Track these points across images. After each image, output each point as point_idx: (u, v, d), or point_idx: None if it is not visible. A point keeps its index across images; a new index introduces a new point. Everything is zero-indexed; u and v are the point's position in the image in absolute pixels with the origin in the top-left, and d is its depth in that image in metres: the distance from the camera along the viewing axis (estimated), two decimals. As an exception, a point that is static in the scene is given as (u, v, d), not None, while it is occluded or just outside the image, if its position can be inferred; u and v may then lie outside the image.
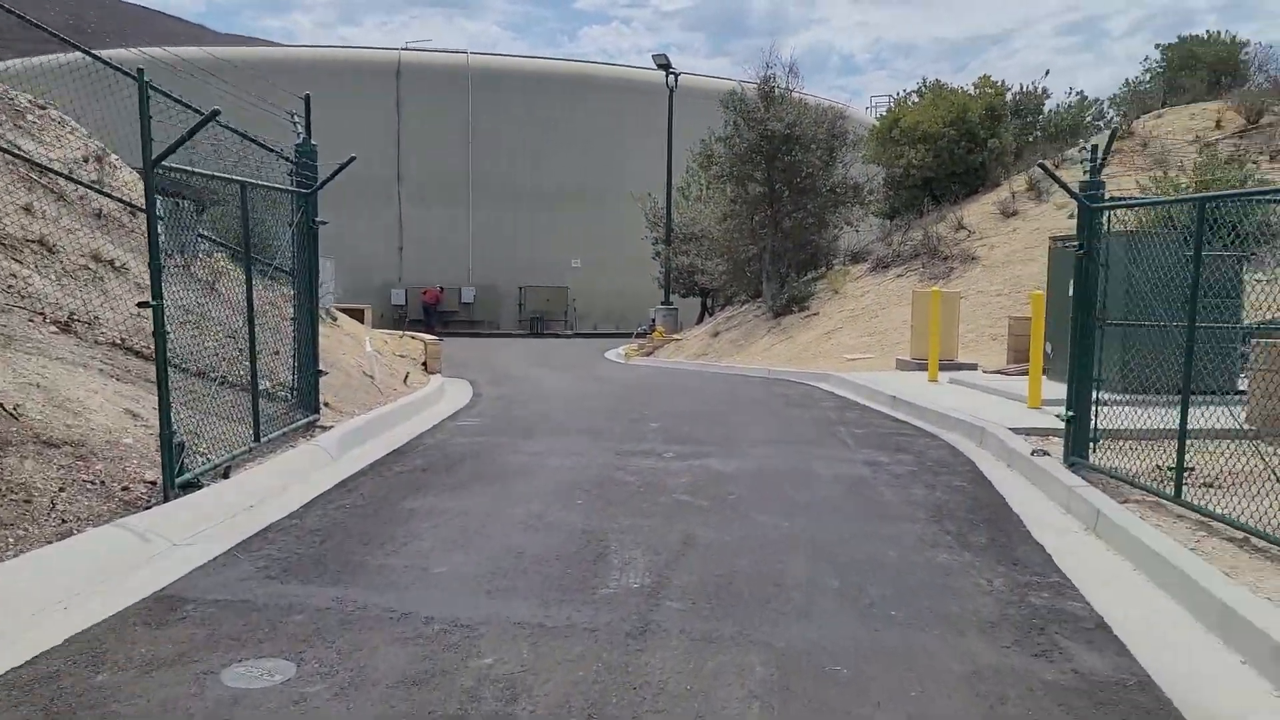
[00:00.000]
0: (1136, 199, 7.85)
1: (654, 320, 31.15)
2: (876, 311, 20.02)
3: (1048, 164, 7.63)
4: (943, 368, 13.59)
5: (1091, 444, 7.49)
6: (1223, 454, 7.45)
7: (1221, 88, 25.07)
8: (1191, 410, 7.76)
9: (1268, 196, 6.04)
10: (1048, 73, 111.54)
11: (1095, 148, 7.46)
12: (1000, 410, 10.18)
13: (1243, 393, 10.64)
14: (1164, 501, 6.34)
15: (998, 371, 13.50)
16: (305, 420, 8.53)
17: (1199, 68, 28.41)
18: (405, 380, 13.52)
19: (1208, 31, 30.55)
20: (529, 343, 34.91)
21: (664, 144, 31.56)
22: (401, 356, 16.39)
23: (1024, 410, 10.19)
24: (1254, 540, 5.44)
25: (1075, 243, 7.46)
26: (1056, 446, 8.49)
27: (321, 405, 9.18)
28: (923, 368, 14.27)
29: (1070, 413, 7.49)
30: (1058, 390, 10.89)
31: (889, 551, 5.49)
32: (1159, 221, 10.58)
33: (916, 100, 28.11)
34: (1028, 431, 8.98)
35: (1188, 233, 10.63)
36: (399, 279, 43.57)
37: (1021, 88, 29.48)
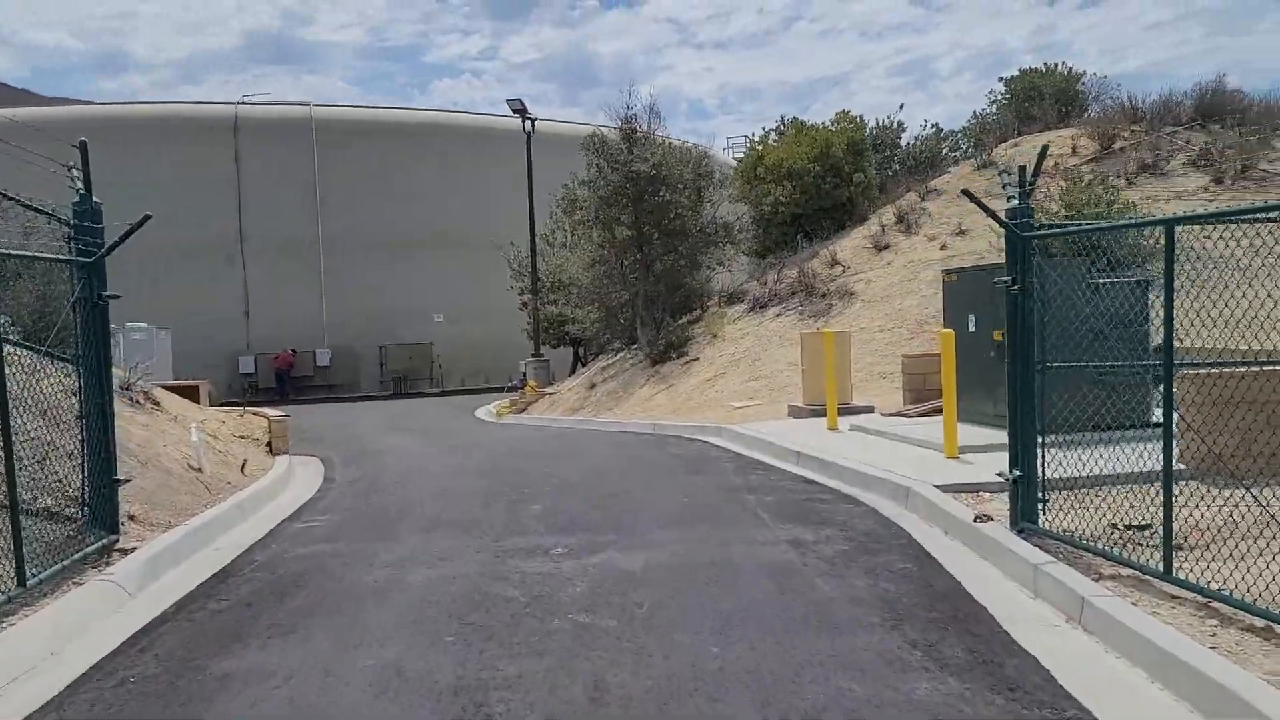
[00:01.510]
0: (1074, 225, 7.10)
1: (525, 374, 29.70)
2: (759, 354, 19.20)
3: (971, 191, 6.76)
4: (840, 412, 12.71)
5: (1041, 505, 6.57)
6: (1164, 500, 6.65)
7: (1070, 116, 25.69)
8: (1114, 449, 6.98)
9: (1244, 218, 5.23)
10: (902, 106, 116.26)
11: (1023, 169, 6.62)
12: (917, 463, 9.25)
13: (1158, 425, 10.10)
14: (1148, 578, 5.39)
15: (897, 414, 12.71)
16: (98, 544, 6.79)
17: (1042, 99, 29.21)
18: (243, 468, 11.69)
19: (1045, 64, 31.58)
20: (392, 406, 32.84)
21: (524, 191, 30.37)
22: (241, 438, 14.45)
23: (942, 460, 9.30)
24: (1278, 629, 4.50)
25: (1006, 277, 6.56)
26: (992, 504, 7.57)
27: (124, 520, 7.44)
28: (817, 414, 13.37)
29: (1017, 472, 6.54)
30: (970, 434, 10.11)
31: (854, 687, 4.28)
32: (1068, 250, 9.99)
33: (777, 138, 27.89)
34: (955, 488, 8.04)
35: (1108, 259, 9.88)
36: (247, 345, 40.64)
37: (878, 122, 29.76)
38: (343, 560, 7.14)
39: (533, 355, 30.16)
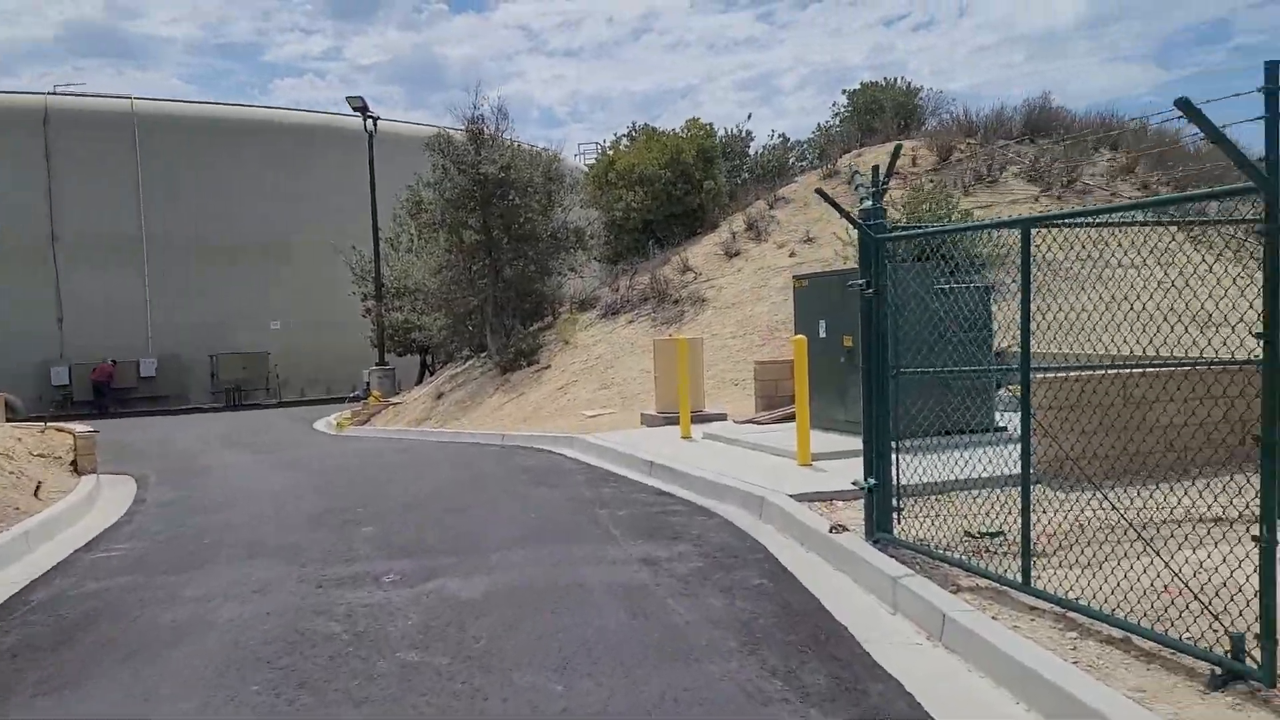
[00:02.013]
0: (928, 227, 7.01)
1: (368, 383, 28.44)
2: (612, 361, 18.85)
3: (824, 190, 6.55)
4: (693, 420, 12.46)
5: (896, 513, 6.40)
6: (1016, 505, 6.62)
7: (909, 128, 26.55)
8: (962, 454, 6.94)
9: (1090, 219, 5.15)
10: (750, 115, 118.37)
11: (875, 169, 6.45)
12: (771, 471, 9.04)
13: (1002, 429, 10.30)
14: (1006, 589, 5.24)
15: (750, 421, 12.57)
16: None
17: (883, 111, 30.15)
18: (37, 491, 10.44)
19: (885, 78, 32.67)
20: (224, 418, 30.86)
21: (368, 193, 29.13)
22: (40, 456, 12.99)
23: (795, 468, 9.12)
24: (1137, 640, 4.38)
25: (860, 280, 6.37)
26: (846, 512, 7.40)
27: None
28: (671, 422, 13.09)
29: (872, 481, 6.35)
30: (823, 441, 10.00)
31: (713, 725, 3.90)
32: (910, 255, 10.02)
33: (629, 144, 27.73)
34: (810, 498, 7.84)
35: (951, 265, 9.92)
36: (60, 355, 37.46)
37: (727, 131, 30.03)
38: (141, 597, 6.28)
39: (377, 364, 28.93)
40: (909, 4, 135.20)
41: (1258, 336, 3.73)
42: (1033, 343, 7.15)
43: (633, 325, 20.47)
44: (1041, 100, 23.78)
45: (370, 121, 29.31)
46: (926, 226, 7.57)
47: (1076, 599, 4.81)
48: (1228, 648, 3.90)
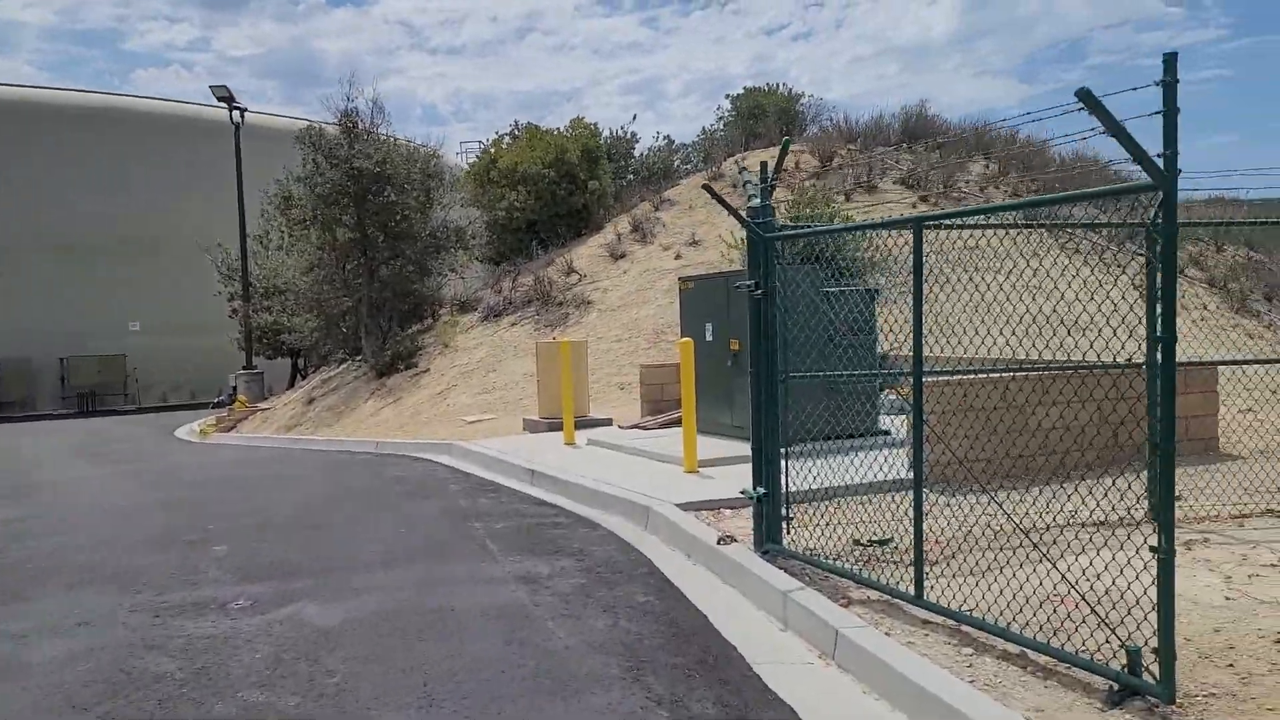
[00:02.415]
0: (818, 226, 6.81)
1: (235, 388, 27.02)
2: (493, 365, 18.29)
3: (711, 186, 6.27)
4: (578, 425, 12.08)
5: (785, 523, 6.17)
6: (904, 512, 6.51)
7: (792, 134, 26.80)
8: (848, 459, 6.80)
9: (978, 215, 5.02)
10: (635, 117, 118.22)
11: (764, 165, 6.21)
12: (656, 479, 8.74)
13: (886, 433, 10.28)
14: (898, 602, 5.05)
15: (635, 426, 12.27)
16: None
17: (766, 116, 30.42)
18: None
19: (768, 84, 33.02)
20: (76, 426, 28.84)
21: (234, 188, 27.69)
22: None
23: (681, 475, 8.85)
24: (1033, 655, 4.22)
25: (749, 280, 6.12)
26: (734, 521, 7.16)
27: None
28: (554, 428, 12.68)
29: (761, 490, 6.09)
30: (709, 447, 9.77)
31: (593, 768, 3.53)
32: (795, 258, 9.89)
33: (511, 142, 27.15)
34: (697, 506, 7.57)
35: (834, 269, 9.83)
36: (-113, 358, 34.45)
37: (612, 132, 29.77)
38: (-56, 636, 5.51)
39: (244, 368, 27.52)
40: (789, 14, 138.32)
41: (1156, 340, 3.59)
42: (909, 346, 7.08)
43: (516, 328, 19.96)
44: (919, 108, 24.37)
45: (237, 113, 27.89)
46: (816, 226, 7.40)
47: (970, 611, 4.64)
48: (1124, 662, 3.76)
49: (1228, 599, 4.76)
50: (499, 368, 18.12)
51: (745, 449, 9.68)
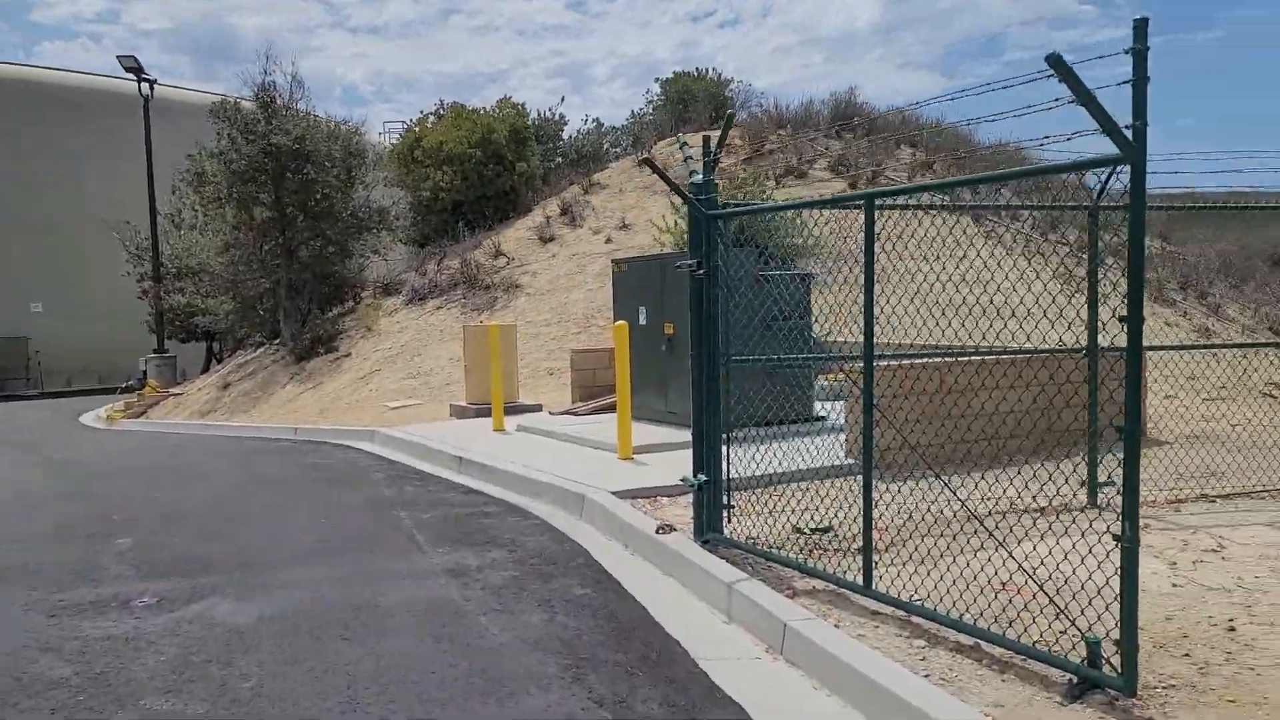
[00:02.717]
0: (757, 205, 6.58)
1: (145, 372, 25.90)
2: (418, 349, 17.78)
3: (653, 160, 6.01)
4: (507, 411, 11.74)
5: (727, 511, 5.97)
6: (844, 497, 6.39)
7: (722, 118, 26.64)
8: (785, 445, 6.66)
9: (931, 191, 4.86)
10: (563, 99, 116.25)
11: (707, 139, 5.99)
12: (589, 465, 8.50)
13: (822, 418, 10.18)
14: (846, 592, 4.89)
15: (566, 412, 11.98)
16: None
17: (696, 101, 30.24)
18: None
19: (697, 69, 32.84)
20: (-28, 412, 27.33)
21: (144, 164, 26.46)
22: None
23: (616, 462, 8.61)
24: (987, 647, 4.09)
25: (690, 261, 5.89)
26: (672, 509, 6.95)
27: None
28: (483, 414, 12.32)
29: (702, 477, 5.88)
30: (643, 433, 9.55)
31: (533, 779, 3.27)
32: (730, 241, 9.69)
33: (436, 121, 26.48)
34: (633, 494, 7.34)
35: (767, 254, 9.67)
36: None
37: (540, 114, 29.27)
38: None
39: (156, 351, 26.38)
40: (715, 1, 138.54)
41: (1122, 320, 3.46)
42: (844, 333, 6.97)
43: (441, 311, 19.45)
44: (848, 95, 24.43)
45: (146, 85, 26.63)
46: (758, 204, 7.19)
47: (920, 601, 4.51)
48: (1084, 655, 3.64)
49: (1175, 586, 4.71)
50: (424, 352, 17.63)
51: (680, 435, 9.52)
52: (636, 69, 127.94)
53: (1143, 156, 3.34)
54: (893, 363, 8.19)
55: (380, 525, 7.24)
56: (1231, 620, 4.21)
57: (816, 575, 5.03)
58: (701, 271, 5.83)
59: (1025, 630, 4.06)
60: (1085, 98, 3.30)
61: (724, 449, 5.94)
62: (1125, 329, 3.42)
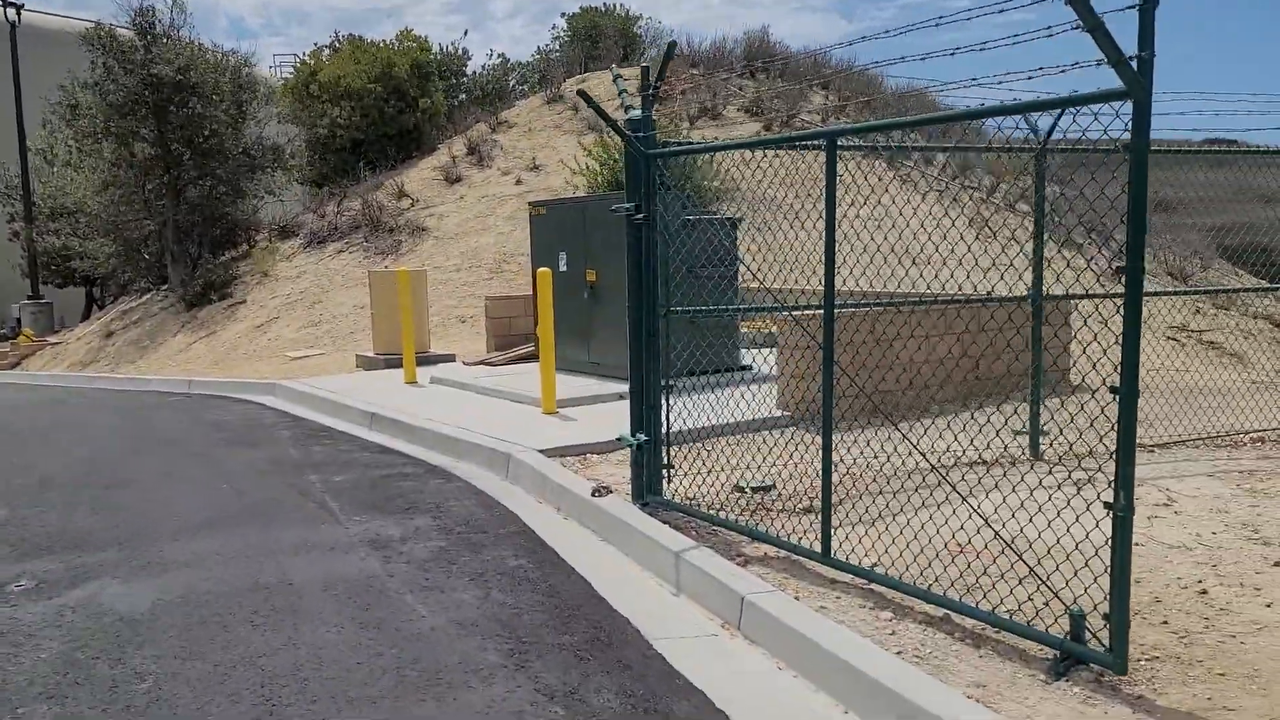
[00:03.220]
0: (697, 144, 6.10)
1: (19, 320, 24.20)
2: (320, 296, 16.90)
3: (587, 92, 5.52)
4: (418, 362, 11.15)
5: (667, 471, 5.64)
6: (782, 452, 6.14)
7: (632, 56, 25.95)
8: (714, 395, 6.37)
9: (898, 129, 4.52)
10: (466, 32, 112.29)
11: (646, 70, 5.54)
12: (512, 420, 8.06)
13: (747, 368, 9.93)
14: (800, 559, 4.62)
15: (481, 363, 11.47)
16: None
17: (604, 38, 29.37)
18: None
19: (605, 4, 31.85)
20: None
21: (10, 96, 24.42)
22: None
23: (540, 417, 8.20)
24: (957, 619, 3.86)
25: (628, 204, 5.45)
26: (604, 468, 6.61)
27: None
28: (393, 365, 11.71)
29: (642, 436, 5.52)
30: (567, 385, 9.14)
31: (485, 794, 2.90)
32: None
33: (332, 55, 25.07)
34: (562, 452, 6.96)
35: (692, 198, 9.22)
36: None
37: (442, 49, 28.02)
38: None
39: (30, 297, 24.65)
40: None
41: (1118, 270, 3.19)
42: (766, 279, 6.66)
43: (343, 255, 18.52)
44: (761, 34, 23.99)
45: (12, 10, 24.49)
46: (701, 142, 6.73)
47: (881, 569, 4.27)
48: (1066, 629, 3.44)
49: (1137, 545, 4.57)
50: (325, 299, 16.77)
51: (606, 387, 9.15)
52: (536, 6, 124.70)
53: (1149, 93, 3.04)
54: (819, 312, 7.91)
55: (289, 491, 6.69)
56: (1201, 582, 4.09)
57: (769, 541, 4.75)
58: (641, 216, 5.41)
59: (997, 599, 3.84)
60: (1092, 24, 2.98)
61: (664, 407, 5.58)
62: (1124, 279, 3.14)
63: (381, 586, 4.68)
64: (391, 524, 5.75)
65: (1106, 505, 3.26)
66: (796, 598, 4.15)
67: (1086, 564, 3.65)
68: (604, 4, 31.60)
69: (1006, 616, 3.65)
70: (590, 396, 8.71)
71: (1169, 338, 13.37)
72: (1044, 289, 7.59)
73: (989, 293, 8.12)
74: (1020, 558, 3.83)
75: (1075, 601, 3.48)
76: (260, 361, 14.23)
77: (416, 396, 9.79)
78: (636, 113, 5.44)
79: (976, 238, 8.18)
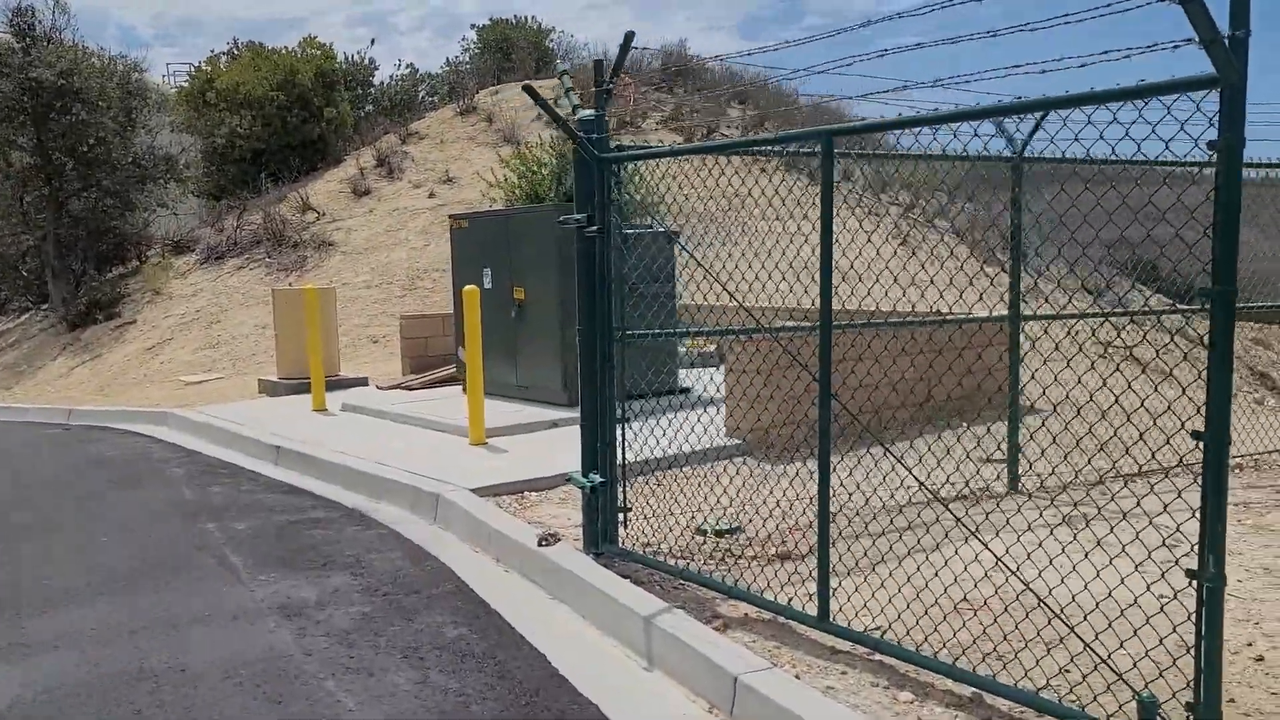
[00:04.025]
0: (654, 147, 5.48)
1: (-121, 344, 22.12)
2: (218, 315, 15.73)
3: (534, 88, 4.86)
4: (328, 387, 10.25)
5: (623, 514, 5.00)
6: (743, 487, 5.60)
7: (546, 68, 25.33)
8: (658, 421, 5.81)
9: (897, 126, 4.01)
10: (373, 41, 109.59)
11: (599, 63, 4.94)
12: (437, 452, 7.32)
13: (686, 391, 9.35)
14: (791, 623, 4.02)
15: (397, 386, 10.64)
16: None
17: (516, 50, 28.71)
18: None
19: (515, 16, 31.23)
20: None
21: None
22: None
23: (467, 449, 7.46)
24: (990, 699, 3.31)
25: (579, 215, 4.81)
26: (544, 508, 5.93)
27: None
28: (299, 390, 10.77)
29: (597, 478, 4.86)
30: (494, 412, 8.41)
31: None
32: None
33: (230, 61, 23.79)
34: (496, 490, 6.25)
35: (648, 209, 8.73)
36: None
37: (348, 58, 26.94)
38: None
39: (-109, 318, 22.58)
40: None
41: (1202, 293, 2.67)
42: (701, 297, 6.14)
43: (243, 272, 17.36)
44: (679, 48, 23.63)
45: None
46: (660, 147, 6.09)
47: (883, 631, 3.71)
48: (1131, 715, 2.92)
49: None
50: (224, 318, 15.62)
51: (537, 413, 8.44)
52: (441, 20, 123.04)
53: (1241, 81, 2.56)
54: (758, 335, 7.38)
55: (183, 542, 5.80)
56: (1251, 645, 3.63)
57: (751, 601, 4.14)
58: (594, 229, 4.77)
59: (1021, 670, 3.31)
60: (1183, -3, 2.47)
61: (620, 443, 4.94)
62: (1210, 303, 2.64)
63: (297, 670, 3.91)
64: (305, 584, 4.95)
65: (1190, 574, 2.74)
66: (797, 675, 3.55)
67: (1135, 632, 3.14)
68: (514, 17, 30.98)
69: (1055, 700, 3.11)
70: (522, 425, 8.01)
71: (1100, 355, 13.32)
72: (990, 310, 7.26)
73: (933, 310, 7.72)
74: (1072, 629, 3.28)
75: (1146, 687, 2.95)
76: (152, 386, 13.06)
77: (327, 425, 8.92)
78: (588, 113, 4.84)
79: (894, 254, 7.81)
